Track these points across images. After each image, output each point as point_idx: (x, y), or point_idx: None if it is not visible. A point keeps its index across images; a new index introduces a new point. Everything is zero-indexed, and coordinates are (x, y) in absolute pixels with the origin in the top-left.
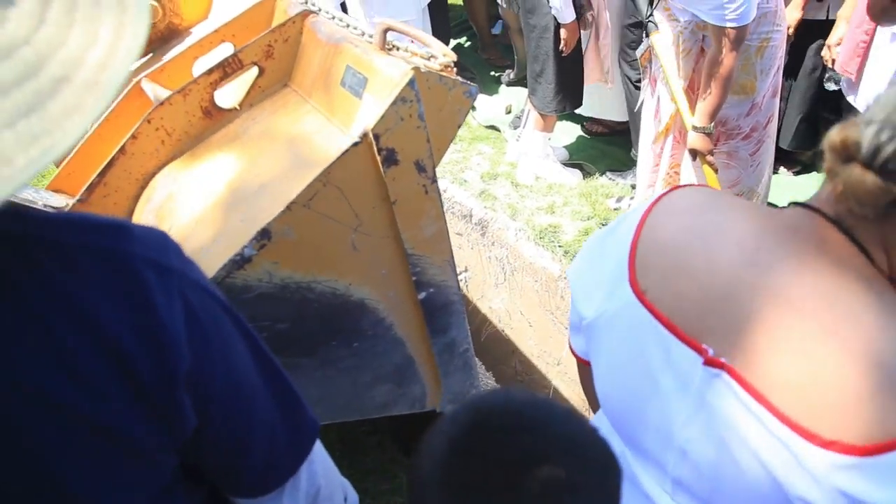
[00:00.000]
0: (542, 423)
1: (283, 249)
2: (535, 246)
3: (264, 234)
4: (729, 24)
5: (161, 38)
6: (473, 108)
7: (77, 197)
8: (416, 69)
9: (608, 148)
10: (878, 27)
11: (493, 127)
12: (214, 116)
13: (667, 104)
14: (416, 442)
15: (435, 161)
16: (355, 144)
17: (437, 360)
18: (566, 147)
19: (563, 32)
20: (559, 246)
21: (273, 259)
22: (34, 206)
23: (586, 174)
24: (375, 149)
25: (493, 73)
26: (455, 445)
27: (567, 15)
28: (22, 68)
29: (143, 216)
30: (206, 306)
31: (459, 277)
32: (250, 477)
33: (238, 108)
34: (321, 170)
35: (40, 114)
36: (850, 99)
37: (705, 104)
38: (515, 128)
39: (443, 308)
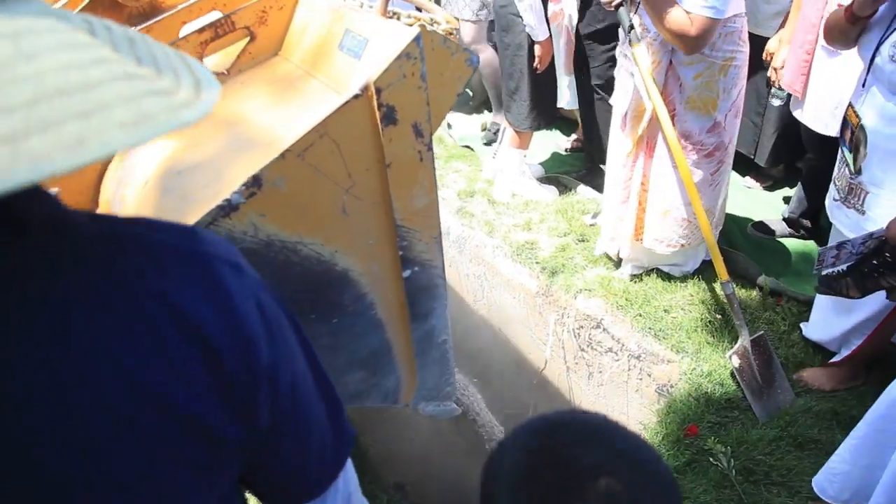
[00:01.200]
0: (609, 439)
1: (272, 201)
2: (512, 263)
3: (255, 182)
4: (703, 13)
5: (142, 15)
6: (449, 125)
7: None
8: (423, 27)
9: (583, 164)
10: (818, 47)
11: (468, 145)
12: None
13: (641, 117)
14: (396, 462)
15: (432, 128)
16: (356, 97)
17: (414, 348)
18: (542, 163)
19: (537, 50)
20: (536, 262)
21: (260, 211)
22: None
23: (562, 190)
24: (375, 103)
25: (467, 90)
26: (526, 454)
27: (541, 32)
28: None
29: (118, 173)
30: (273, 309)
31: None
32: (304, 483)
33: (226, 72)
34: (318, 122)
35: (107, 113)
36: (795, 114)
37: None
38: (491, 145)
39: (426, 291)
